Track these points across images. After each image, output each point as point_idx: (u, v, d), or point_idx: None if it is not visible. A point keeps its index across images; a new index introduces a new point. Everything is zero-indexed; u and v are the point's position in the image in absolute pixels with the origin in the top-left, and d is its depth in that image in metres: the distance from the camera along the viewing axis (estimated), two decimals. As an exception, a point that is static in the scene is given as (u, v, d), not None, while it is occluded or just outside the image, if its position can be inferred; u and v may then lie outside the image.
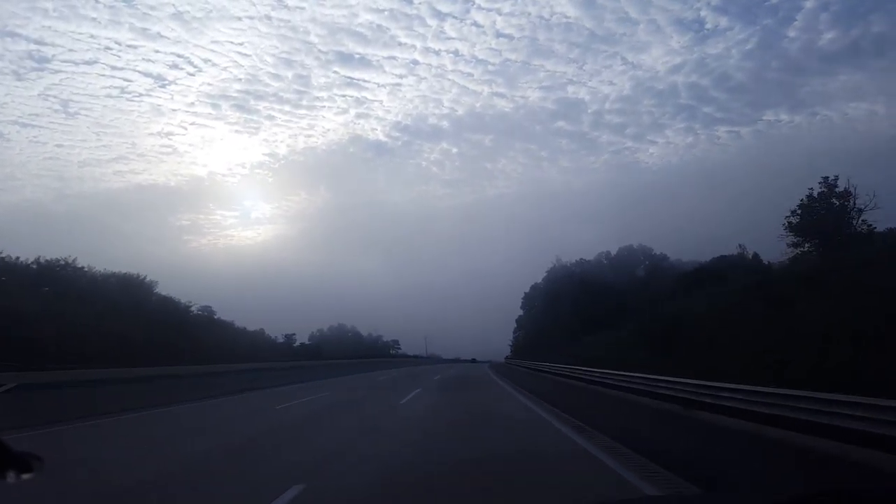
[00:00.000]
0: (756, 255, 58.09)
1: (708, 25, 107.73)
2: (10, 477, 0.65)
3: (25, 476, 0.66)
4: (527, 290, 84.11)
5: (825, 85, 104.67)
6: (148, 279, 42.00)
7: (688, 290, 37.11)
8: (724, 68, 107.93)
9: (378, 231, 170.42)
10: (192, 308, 43.73)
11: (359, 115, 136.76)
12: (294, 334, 62.92)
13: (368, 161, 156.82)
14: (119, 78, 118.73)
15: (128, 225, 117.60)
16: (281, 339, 60.47)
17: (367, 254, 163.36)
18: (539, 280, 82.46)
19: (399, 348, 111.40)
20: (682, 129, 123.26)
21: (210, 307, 54.00)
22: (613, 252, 79.62)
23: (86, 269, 38.22)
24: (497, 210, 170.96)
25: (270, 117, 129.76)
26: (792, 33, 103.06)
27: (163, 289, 43.28)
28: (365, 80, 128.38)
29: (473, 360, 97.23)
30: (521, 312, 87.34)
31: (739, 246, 64.34)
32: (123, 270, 41.28)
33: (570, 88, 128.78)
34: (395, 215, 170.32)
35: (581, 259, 73.46)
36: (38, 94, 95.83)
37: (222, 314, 53.67)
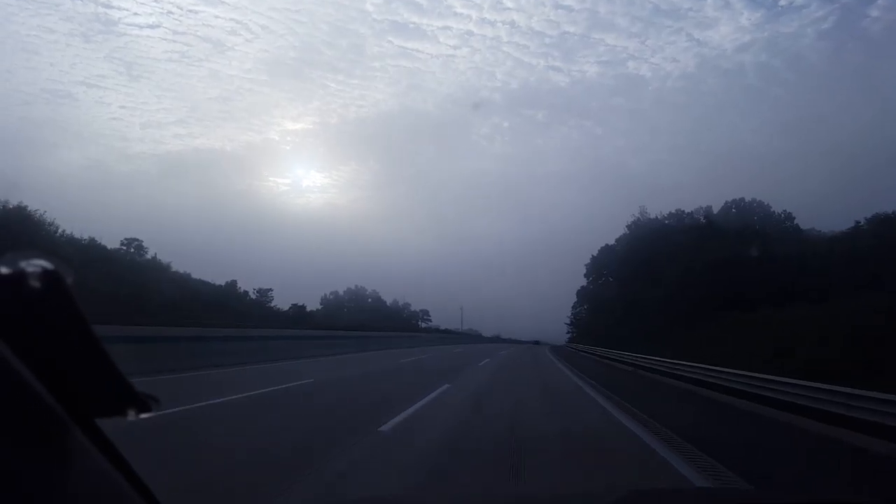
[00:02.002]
0: None
1: (782, 2, 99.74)
2: (131, 415, 0.72)
3: (144, 415, 0.73)
4: (594, 253, 64.01)
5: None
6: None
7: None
8: (796, 48, 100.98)
9: (423, 202, 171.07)
10: (59, 229, 26.37)
11: (411, 87, 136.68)
12: (271, 290, 45.89)
13: (418, 132, 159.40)
14: (180, 42, 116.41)
15: (184, 187, 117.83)
16: (253, 295, 43.42)
17: (409, 224, 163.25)
18: (613, 241, 62.22)
19: (429, 320, 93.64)
20: (748, 112, 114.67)
21: (139, 241, 36.91)
22: (716, 209, 58.43)
23: None
24: (550, 183, 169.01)
25: (323, 86, 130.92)
26: (874, 13, 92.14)
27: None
28: (418, 51, 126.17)
29: (537, 343, 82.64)
30: (584, 283, 67.45)
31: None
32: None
33: (631, 64, 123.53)
34: (442, 188, 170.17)
35: (678, 210, 52.60)
36: (105, 56, 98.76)
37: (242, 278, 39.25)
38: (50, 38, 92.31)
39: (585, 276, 65.76)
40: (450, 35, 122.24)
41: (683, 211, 52.29)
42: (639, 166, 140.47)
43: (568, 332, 70.90)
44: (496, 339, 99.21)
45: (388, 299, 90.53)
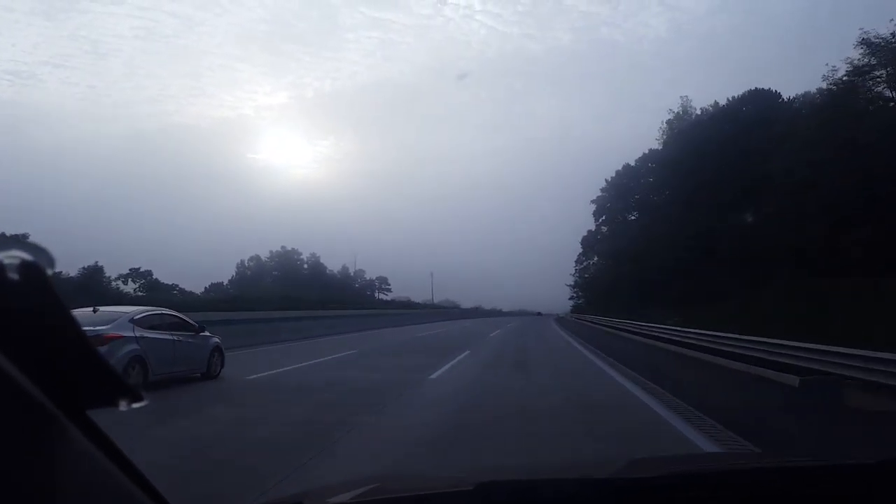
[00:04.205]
0: None
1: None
2: (123, 405, 0.72)
3: (136, 405, 0.73)
4: (608, 177, 44.24)
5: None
6: None
7: None
8: (771, 9, 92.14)
9: (399, 170, 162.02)
10: None
11: (385, 58, 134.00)
12: (28, 235, 26.43)
13: (395, 104, 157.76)
14: (147, 19, 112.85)
15: (157, 167, 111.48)
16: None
17: (371, 188, 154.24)
18: (632, 160, 42.50)
19: (388, 289, 73.81)
20: (725, 73, 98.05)
21: None
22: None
23: None
24: (529, 152, 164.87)
25: (297, 59, 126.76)
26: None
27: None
28: (392, 21, 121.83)
29: (539, 314, 78.52)
30: (592, 227, 47.94)
31: None
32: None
33: (604, 30, 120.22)
34: (420, 158, 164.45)
35: (756, 89, 32.62)
36: (68, 35, 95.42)
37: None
38: (9, 17, 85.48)
39: (595, 214, 46.22)
40: (423, 4, 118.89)
41: (760, 88, 32.43)
42: (614, 130, 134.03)
43: (571, 298, 51.97)
44: (476, 313, 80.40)
45: (336, 266, 70.48)
